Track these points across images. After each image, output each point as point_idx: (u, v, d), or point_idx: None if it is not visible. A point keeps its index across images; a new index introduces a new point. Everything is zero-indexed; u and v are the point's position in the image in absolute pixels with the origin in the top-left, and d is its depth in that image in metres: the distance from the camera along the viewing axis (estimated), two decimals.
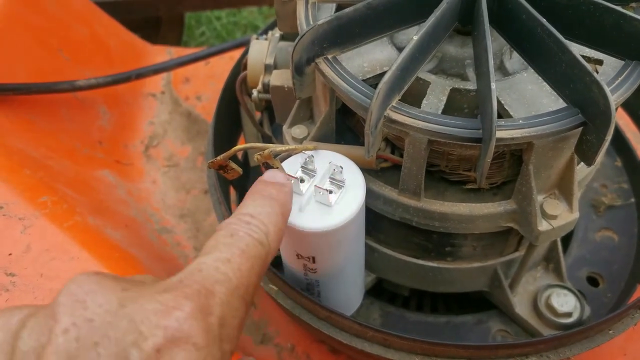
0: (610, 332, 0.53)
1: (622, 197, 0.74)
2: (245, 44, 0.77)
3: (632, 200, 0.73)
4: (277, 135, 0.73)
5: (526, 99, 0.49)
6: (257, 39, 0.67)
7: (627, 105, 0.73)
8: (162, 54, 1.00)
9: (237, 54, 0.79)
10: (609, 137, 0.43)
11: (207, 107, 0.92)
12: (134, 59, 0.97)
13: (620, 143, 0.76)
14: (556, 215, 0.50)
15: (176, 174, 0.83)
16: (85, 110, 0.84)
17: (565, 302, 0.61)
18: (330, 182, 0.48)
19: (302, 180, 0.48)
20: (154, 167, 0.85)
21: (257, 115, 0.74)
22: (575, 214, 0.51)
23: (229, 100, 0.70)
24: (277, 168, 0.47)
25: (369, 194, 0.54)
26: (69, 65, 0.86)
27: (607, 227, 0.72)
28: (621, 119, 0.79)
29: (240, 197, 0.75)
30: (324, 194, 0.47)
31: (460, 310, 0.69)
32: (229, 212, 0.60)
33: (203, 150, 0.87)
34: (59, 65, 0.84)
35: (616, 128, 0.77)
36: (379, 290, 0.72)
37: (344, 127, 0.58)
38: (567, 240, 0.71)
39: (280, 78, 0.59)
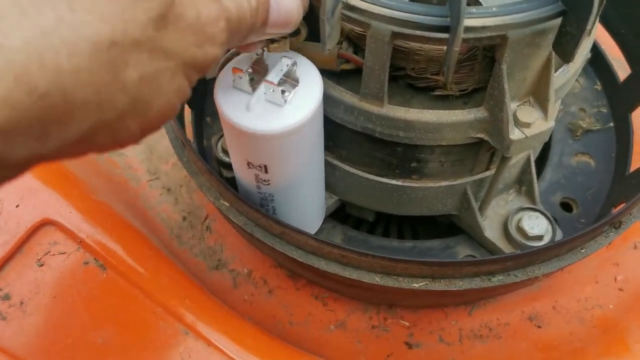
0: (583, 250, 0.50)
1: (600, 121, 0.70)
2: None
3: (611, 124, 0.69)
4: None
5: None
6: None
7: (610, 26, 0.69)
8: None
9: None
10: (589, 27, 0.38)
11: None
12: None
13: (601, 66, 0.72)
14: (530, 123, 0.46)
15: None
16: None
17: (536, 225, 0.57)
18: (283, 80, 0.43)
19: (252, 79, 0.43)
20: None
21: None
22: (551, 123, 0.47)
23: None
24: None
25: (329, 101, 0.49)
26: None
27: (583, 151, 0.68)
28: (603, 43, 0.74)
29: (196, 118, 0.69)
30: (275, 91, 0.42)
31: (427, 237, 0.66)
32: (181, 129, 0.55)
33: None
34: None
35: (598, 51, 0.73)
36: (343, 216, 0.68)
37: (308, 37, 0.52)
38: (541, 164, 0.68)
39: None
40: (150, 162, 0.71)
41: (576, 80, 0.73)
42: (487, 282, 0.49)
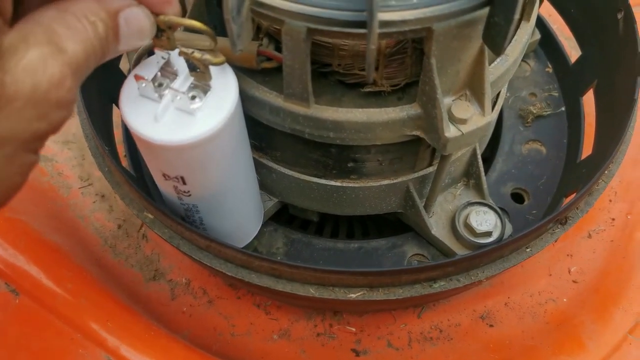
0: (528, 250, 0.47)
1: (551, 106, 0.67)
2: None
3: (562, 109, 0.67)
4: None
5: None
6: None
7: (559, 5, 0.66)
8: None
9: None
10: (517, 17, 0.35)
11: None
12: None
13: (551, 48, 0.69)
14: (465, 119, 0.43)
15: None
16: None
17: (484, 221, 0.54)
18: (194, 84, 0.40)
19: (159, 85, 0.39)
20: None
21: None
22: (488, 117, 0.44)
23: None
24: None
25: (253, 102, 0.45)
26: None
27: (535, 138, 0.65)
28: (555, 22, 0.71)
29: None
30: (183, 98, 0.38)
31: (378, 234, 0.63)
32: (99, 138, 0.50)
33: None
34: None
35: (548, 32, 0.70)
36: (287, 217, 0.65)
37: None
38: (492, 154, 0.65)
39: None
40: (82, 168, 0.67)
41: (527, 63, 0.71)
42: (428, 289, 0.46)
